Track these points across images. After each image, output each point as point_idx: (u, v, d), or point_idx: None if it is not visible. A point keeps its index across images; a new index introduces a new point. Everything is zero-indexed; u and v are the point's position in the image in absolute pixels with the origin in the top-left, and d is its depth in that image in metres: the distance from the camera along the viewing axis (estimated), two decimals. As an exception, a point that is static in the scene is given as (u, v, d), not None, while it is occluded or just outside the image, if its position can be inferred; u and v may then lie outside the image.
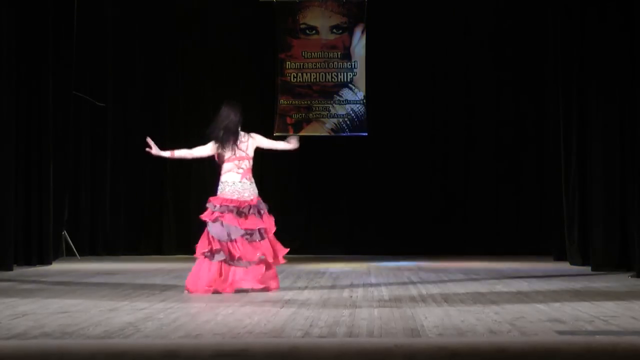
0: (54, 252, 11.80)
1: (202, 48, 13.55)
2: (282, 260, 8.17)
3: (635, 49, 9.86)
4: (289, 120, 13.70)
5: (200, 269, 7.85)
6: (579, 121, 10.87)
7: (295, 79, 13.70)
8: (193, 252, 13.43)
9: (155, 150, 8.20)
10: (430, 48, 13.52)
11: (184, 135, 13.54)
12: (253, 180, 8.12)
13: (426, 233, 13.34)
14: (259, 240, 7.90)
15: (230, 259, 7.79)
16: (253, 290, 7.77)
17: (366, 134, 13.59)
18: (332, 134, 13.66)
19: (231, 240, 7.82)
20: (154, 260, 12.25)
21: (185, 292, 7.74)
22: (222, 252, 7.79)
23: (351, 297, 7.47)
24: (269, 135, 13.58)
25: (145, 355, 4.46)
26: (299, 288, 8.25)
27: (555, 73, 11.63)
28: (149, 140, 8.19)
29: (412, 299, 7.23)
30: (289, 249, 8.32)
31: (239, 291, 7.75)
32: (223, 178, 8.05)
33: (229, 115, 8.10)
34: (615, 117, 10.28)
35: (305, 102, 13.70)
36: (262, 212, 8.02)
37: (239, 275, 7.79)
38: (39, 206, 11.27)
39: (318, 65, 13.69)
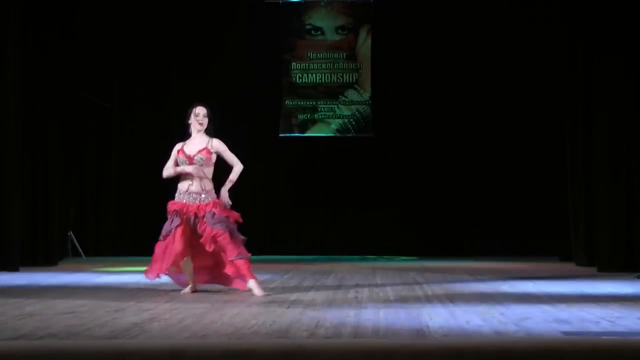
0: (59, 253, 11.83)
1: (208, 48, 13.56)
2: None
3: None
4: (294, 120, 13.71)
5: None
6: (585, 121, 10.86)
7: (300, 80, 13.72)
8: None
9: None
10: (436, 48, 13.51)
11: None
12: None
13: (432, 233, 13.35)
14: None
15: None
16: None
17: (372, 134, 13.59)
18: (338, 134, 13.67)
19: None
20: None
21: None
22: None
23: (357, 297, 7.48)
24: (274, 134, 13.69)
25: (151, 356, 4.46)
26: (305, 288, 8.25)
27: (561, 74, 11.63)
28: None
29: (418, 300, 7.23)
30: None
31: None
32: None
33: None
34: (621, 118, 10.27)
35: (311, 103, 13.71)
36: None
37: None
38: (45, 206, 11.30)
39: (323, 66, 13.70)
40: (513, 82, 13.34)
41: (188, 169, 7.74)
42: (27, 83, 10.94)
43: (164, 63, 13.61)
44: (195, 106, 7.99)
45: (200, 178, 7.75)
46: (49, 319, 5.95)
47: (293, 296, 7.56)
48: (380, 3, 13.53)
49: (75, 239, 12.68)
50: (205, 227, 7.63)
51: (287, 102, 13.71)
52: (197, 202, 7.74)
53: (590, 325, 5.66)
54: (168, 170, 7.94)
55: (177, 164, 7.88)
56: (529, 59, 13.23)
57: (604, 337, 5.07)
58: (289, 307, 6.74)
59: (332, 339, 5.12)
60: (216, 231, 7.58)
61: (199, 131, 7.91)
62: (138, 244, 13.40)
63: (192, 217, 7.71)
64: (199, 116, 7.91)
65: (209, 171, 7.85)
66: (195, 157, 7.78)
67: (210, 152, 7.81)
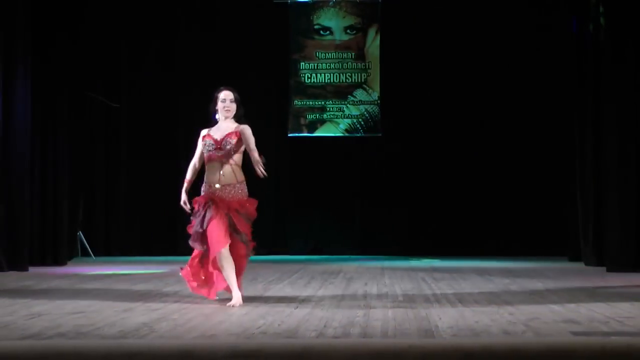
0: (68, 253, 11.86)
1: (216, 48, 13.55)
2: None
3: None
4: (302, 120, 13.71)
5: None
6: (595, 121, 10.84)
7: (309, 80, 13.72)
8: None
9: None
10: (445, 48, 13.48)
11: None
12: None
13: (440, 233, 13.33)
14: None
15: None
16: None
17: (380, 134, 13.58)
18: (346, 134, 13.66)
19: None
20: (168, 260, 12.25)
21: None
22: None
23: (365, 297, 7.47)
24: (282, 134, 13.69)
25: (159, 356, 4.47)
26: (313, 288, 8.25)
27: (570, 74, 11.61)
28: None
29: (426, 300, 7.22)
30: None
31: None
32: None
33: None
34: (630, 117, 10.26)
35: (319, 103, 13.71)
36: None
37: None
38: (54, 207, 11.32)
39: (332, 65, 13.70)
40: (522, 81, 13.30)
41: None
42: (36, 84, 10.96)
43: (170, 63, 13.60)
44: (221, 91, 7.39)
45: (231, 165, 7.13)
46: (58, 319, 5.96)
47: (301, 296, 7.56)
48: (389, 3, 13.51)
49: (84, 239, 12.71)
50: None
51: (295, 102, 13.71)
52: (230, 195, 7.09)
53: (599, 325, 5.64)
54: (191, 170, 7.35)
55: (202, 154, 7.27)
56: (538, 59, 13.18)
57: (613, 337, 5.05)
58: (297, 307, 6.75)
59: (341, 339, 5.12)
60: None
61: (226, 118, 7.29)
62: (147, 244, 13.45)
63: (227, 211, 7.04)
64: (225, 102, 7.31)
65: (238, 158, 7.20)
66: (224, 142, 7.14)
67: (239, 135, 7.15)
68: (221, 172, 7.13)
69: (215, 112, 7.35)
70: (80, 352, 4.55)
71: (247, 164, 7.21)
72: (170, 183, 13.50)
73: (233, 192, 7.13)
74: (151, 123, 13.49)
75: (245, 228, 7.15)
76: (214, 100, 7.37)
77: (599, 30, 10.67)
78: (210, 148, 7.16)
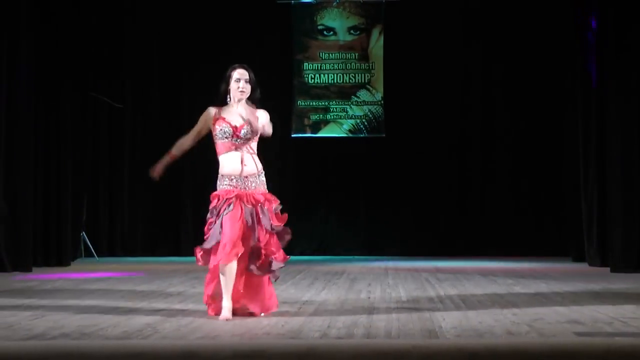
0: (72, 253, 11.86)
1: (220, 49, 13.54)
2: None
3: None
4: (306, 121, 13.71)
5: None
6: (598, 121, 10.83)
7: (312, 80, 13.71)
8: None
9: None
10: (448, 48, 13.49)
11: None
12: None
13: (444, 234, 13.33)
14: None
15: None
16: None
17: (384, 135, 13.57)
18: (350, 135, 13.66)
19: None
20: (172, 261, 12.27)
21: None
22: None
23: (369, 298, 7.47)
24: (286, 135, 13.68)
25: (163, 356, 4.47)
26: (317, 289, 8.25)
27: (574, 73, 11.60)
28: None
29: (430, 301, 7.22)
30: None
31: None
32: None
33: None
34: (634, 118, 10.25)
35: (323, 103, 13.70)
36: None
37: None
38: (58, 207, 11.32)
39: (336, 66, 13.69)
40: (525, 81, 13.29)
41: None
42: (39, 84, 10.97)
43: (175, 63, 13.61)
44: (235, 69, 6.51)
45: (251, 154, 6.41)
46: (62, 320, 5.96)
47: (305, 297, 7.56)
48: (393, 3, 13.51)
49: (88, 240, 12.71)
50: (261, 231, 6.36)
51: (299, 102, 13.71)
52: (253, 186, 6.39)
53: (603, 325, 5.64)
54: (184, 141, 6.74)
55: (199, 134, 6.63)
56: (540, 60, 13.18)
57: (617, 338, 5.05)
58: (300, 307, 6.74)
59: (345, 339, 5.12)
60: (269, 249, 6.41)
61: (239, 100, 6.47)
62: (150, 245, 13.46)
63: (251, 207, 6.34)
64: (240, 82, 6.46)
65: (255, 146, 6.49)
66: (243, 129, 6.39)
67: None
68: (243, 162, 6.38)
69: (227, 92, 6.53)
70: (84, 352, 4.55)
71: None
72: (173, 183, 13.52)
73: (255, 183, 6.39)
74: (154, 123, 13.49)
75: (278, 220, 6.52)
76: (226, 80, 6.52)
77: (602, 26, 10.66)
78: (227, 135, 6.39)
